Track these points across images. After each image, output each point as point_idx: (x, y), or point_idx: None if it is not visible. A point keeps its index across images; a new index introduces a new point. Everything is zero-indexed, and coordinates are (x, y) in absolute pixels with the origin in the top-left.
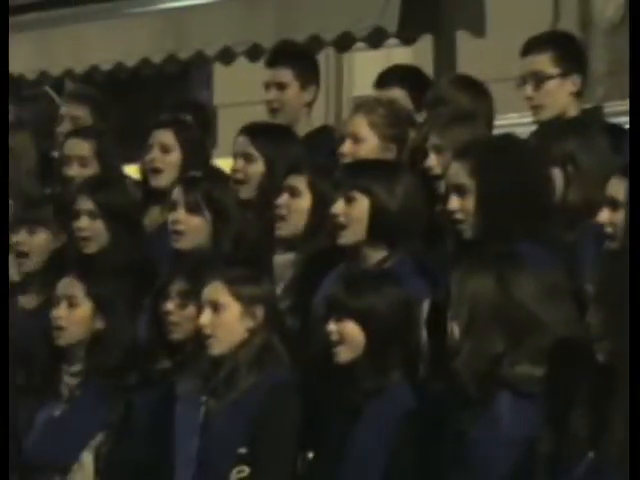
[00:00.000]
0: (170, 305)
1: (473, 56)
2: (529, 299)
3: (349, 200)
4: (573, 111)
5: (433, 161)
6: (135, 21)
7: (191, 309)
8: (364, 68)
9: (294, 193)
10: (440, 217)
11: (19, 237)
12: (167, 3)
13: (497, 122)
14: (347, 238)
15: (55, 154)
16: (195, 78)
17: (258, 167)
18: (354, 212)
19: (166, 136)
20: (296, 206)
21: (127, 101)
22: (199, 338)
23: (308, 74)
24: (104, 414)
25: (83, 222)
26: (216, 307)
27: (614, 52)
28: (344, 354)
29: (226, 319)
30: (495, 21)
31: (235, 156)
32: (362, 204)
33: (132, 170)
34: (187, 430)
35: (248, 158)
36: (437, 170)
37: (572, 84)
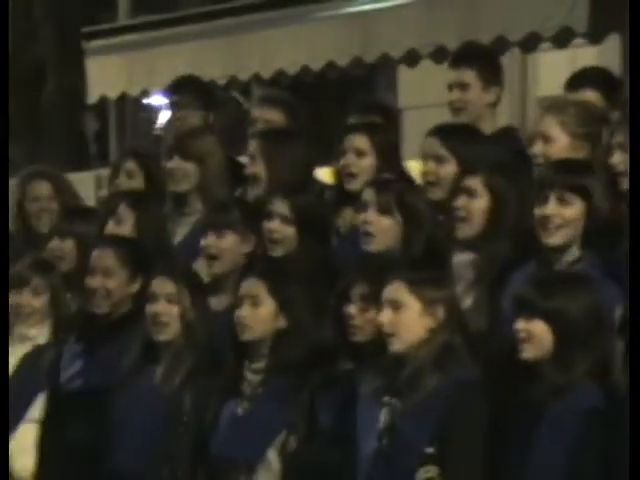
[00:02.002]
0: (352, 309)
1: None
2: None
3: (562, 201)
4: None
5: (618, 158)
6: (321, 25)
7: (373, 312)
8: (549, 68)
9: (471, 194)
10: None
11: (208, 240)
12: (352, 7)
13: None
14: (557, 239)
15: (242, 158)
16: (380, 81)
17: (450, 168)
18: (567, 213)
19: (361, 141)
20: (474, 207)
21: (312, 105)
22: (381, 339)
23: (491, 75)
24: (287, 413)
25: (274, 224)
26: (396, 306)
27: None
28: (530, 352)
29: (406, 318)
30: None
31: (425, 158)
32: (577, 205)
33: (321, 173)
34: (369, 430)
35: (439, 159)
36: (621, 167)
37: None
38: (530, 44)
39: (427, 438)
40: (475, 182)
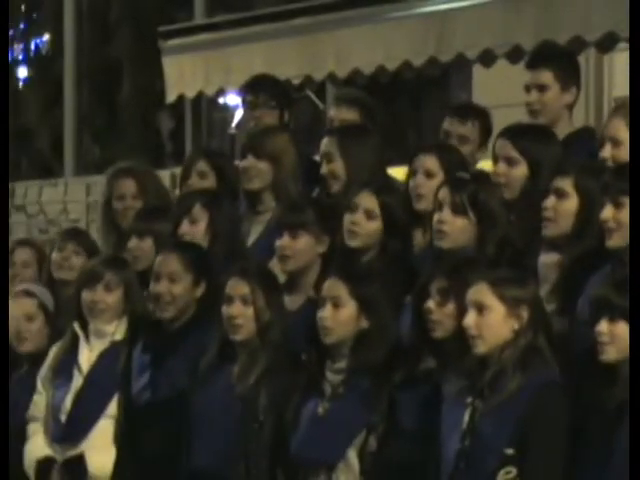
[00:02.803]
0: (431, 303)
1: None
2: None
3: (617, 205)
4: None
5: None
6: (396, 25)
7: (451, 307)
8: (624, 68)
9: (561, 195)
10: None
11: (282, 241)
12: (428, 7)
13: None
14: (615, 241)
15: (317, 157)
16: (455, 81)
17: (521, 170)
18: (621, 216)
19: (431, 161)
20: (563, 208)
21: (388, 104)
22: (462, 338)
23: (569, 75)
24: (368, 413)
25: (358, 217)
26: (481, 308)
27: None
28: (612, 354)
29: (491, 320)
30: None
31: (496, 159)
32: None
33: (395, 172)
34: (452, 431)
35: (510, 161)
36: None
37: None
38: (607, 44)
39: (507, 439)
40: (565, 183)
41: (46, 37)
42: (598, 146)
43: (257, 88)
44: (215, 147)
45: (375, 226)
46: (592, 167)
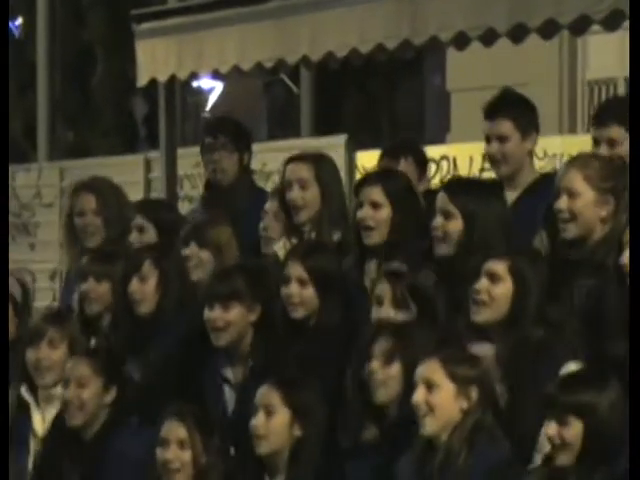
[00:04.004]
0: (375, 364)
1: None
2: None
3: None
4: None
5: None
6: (370, 8)
7: (396, 368)
8: (598, 51)
9: (494, 278)
10: None
11: (214, 313)
12: None
13: None
14: None
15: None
16: (429, 64)
17: (456, 223)
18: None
19: (376, 192)
20: (497, 292)
21: (361, 88)
22: (406, 409)
23: (528, 122)
24: None
25: (293, 288)
26: (430, 386)
27: None
28: (564, 460)
29: (440, 399)
30: None
31: (436, 212)
32: None
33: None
34: None
35: (447, 215)
36: None
37: None
38: (580, 27)
39: None
40: (500, 267)
41: (19, 21)
42: (554, 197)
43: (216, 130)
44: (191, 131)
45: (308, 293)
46: (527, 250)
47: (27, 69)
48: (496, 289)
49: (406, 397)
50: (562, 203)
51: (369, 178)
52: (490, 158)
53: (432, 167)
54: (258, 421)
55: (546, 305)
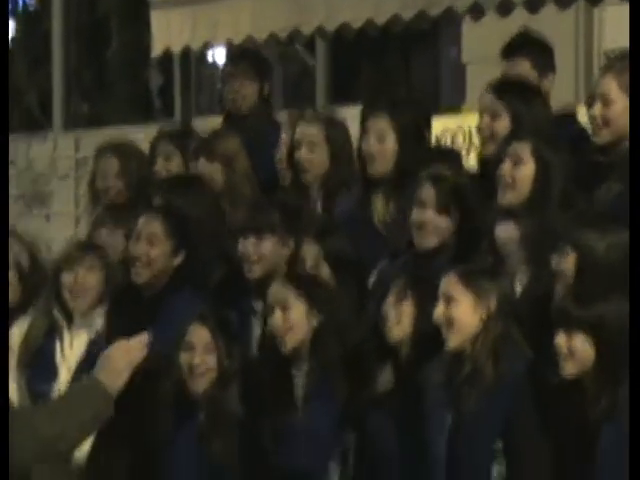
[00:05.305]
0: (391, 299)
1: None
2: None
3: None
4: None
5: None
6: None
7: (408, 304)
8: (614, 21)
9: (517, 161)
10: None
11: (248, 246)
12: None
13: None
14: None
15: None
16: (444, 35)
17: (503, 123)
18: None
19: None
20: (520, 174)
21: (376, 59)
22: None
23: (546, 63)
24: (339, 428)
25: None
26: (450, 301)
27: None
28: (570, 369)
29: (459, 312)
30: None
31: (481, 112)
32: None
33: None
34: (439, 433)
35: (494, 114)
36: None
37: None
38: None
39: (494, 433)
40: (521, 148)
41: None
42: (587, 103)
43: (238, 58)
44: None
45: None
46: (550, 135)
47: (42, 41)
48: (519, 171)
49: (419, 335)
50: (596, 110)
51: (375, 108)
52: None
53: (448, 137)
54: (276, 318)
55: (574, 193)
